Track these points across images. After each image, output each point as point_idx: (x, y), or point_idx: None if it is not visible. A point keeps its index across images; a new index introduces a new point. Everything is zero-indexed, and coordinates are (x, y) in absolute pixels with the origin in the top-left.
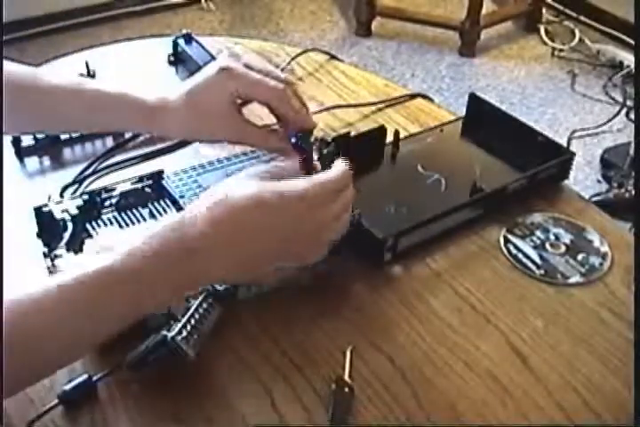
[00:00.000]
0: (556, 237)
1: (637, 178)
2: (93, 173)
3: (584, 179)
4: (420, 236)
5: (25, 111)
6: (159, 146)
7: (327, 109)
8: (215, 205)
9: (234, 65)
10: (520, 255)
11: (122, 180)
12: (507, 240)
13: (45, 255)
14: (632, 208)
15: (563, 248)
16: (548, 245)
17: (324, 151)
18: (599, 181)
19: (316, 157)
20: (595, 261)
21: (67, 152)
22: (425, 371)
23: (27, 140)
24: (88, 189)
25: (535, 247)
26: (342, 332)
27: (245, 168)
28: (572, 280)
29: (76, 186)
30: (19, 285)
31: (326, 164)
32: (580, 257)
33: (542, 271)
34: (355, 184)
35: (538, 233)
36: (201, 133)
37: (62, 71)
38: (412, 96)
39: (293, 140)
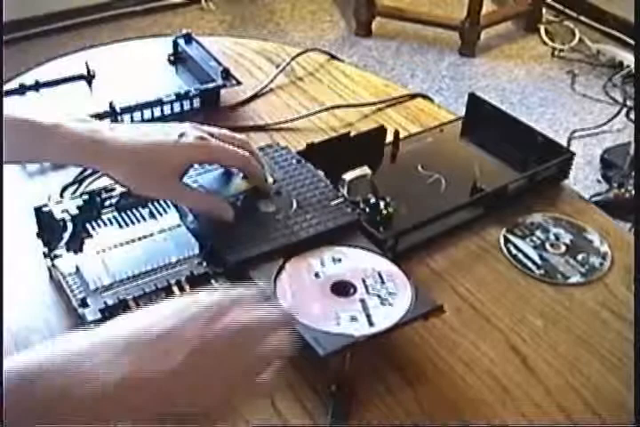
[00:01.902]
0: (556, 237)
1: (637, 178)
2: (93, 172)
3: (584, 179)
4: (419, 236)
5: None
6: None
7: (327, 109)
8: None
9: (197, 134)
10: (520, 255)
11: None
12: (507, 240)
13: (45, 255)
14: (632, 208)
15: (563, 248)
16: (547, 245)
17: None
18: (599, 181)
19: None
20: (595, 261)
21: None
22: (425, 371)
23: None
24: (88, 189)
25: (535, 247)
26: None
27: None
28: (572, 280)
29: (75, 186)
30: (19, 285)
31: None
32: (580, 257)
33: (542, 271)
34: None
35: (538, 233)
36: (138, 187)
37: (62, 71)
38: (412, 96)
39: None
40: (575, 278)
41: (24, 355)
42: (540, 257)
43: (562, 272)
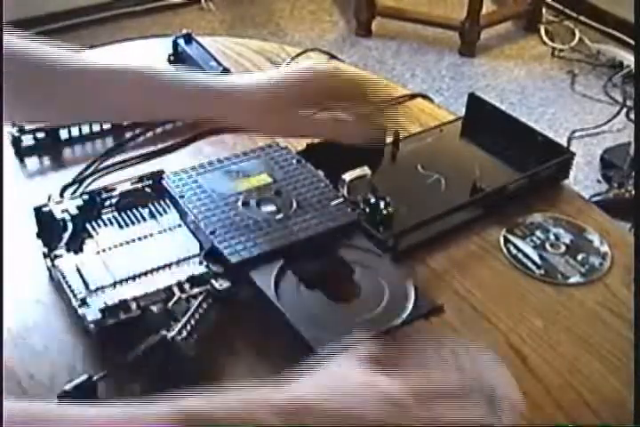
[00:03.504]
0: (556, 237)
1: (637, 178)
2: (93, 173)
3: (584, 179)
4: (419, 236)
5: (64, 97)
6: (159, 146)
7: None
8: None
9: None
10: (520, 255)
11: (122, 180)
12: (506, 240)
13: (45, 255)
14: (632, 208)
15: (563, 248)
16: (547, 245)
17: None
18: (599, 181)
19: None
20: (595, 261)
21: (67, 152)
22: None
23: (27, 140)
24: (88, 189)
25: (535, 247)
26: None
27: (245, 167)
28: (572, 280)
29: (75, 186)
30: (19, 285)
31: None
32: (580, 257)
33: (542, 271)
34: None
35: (538, 233)
36: (273, 127)
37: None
38: (412, 96)
39: None
40: (575, 278)
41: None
42: (540, 257)
43: (562, 272)
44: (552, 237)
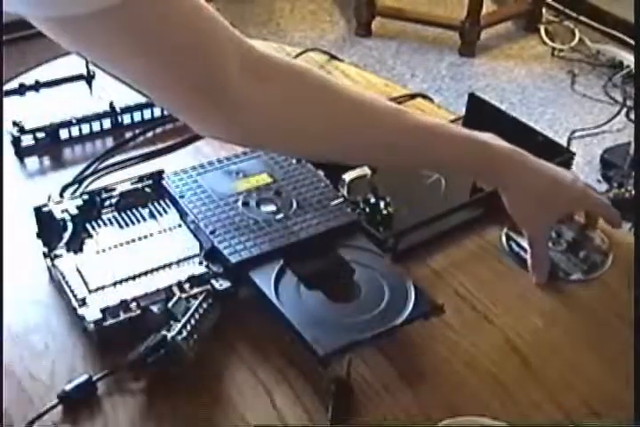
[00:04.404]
0: (558, 235)
1: (637, 178)
2: (93, 173)
3: (584, 179)
4: (419, 236)
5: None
6: (159, 146)
7: None
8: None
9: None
10: (521, 253)
11: (122, 180)
12: (508, 237)
13: (45, 255)
14: (632, 208)
15: (564, 245)
16: (549, 242)
17: None
18: (599, 181)
19: None
20: (596, 258)
21: (67, 152)
22: (425, 371)
23: (27, 140)
24: (88, 189)
25: None
26: None
27: (245, 167)
28: (574, 277)
29: (75, 186)
30: (19, 285)
31: None
32: (581, 254)
33: None
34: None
35: None
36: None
37: (62, 71)
38: (412, 96)
39: None
40: (577, 275)
41: None
42: None
43: (563, 269)
44: (553, 234)
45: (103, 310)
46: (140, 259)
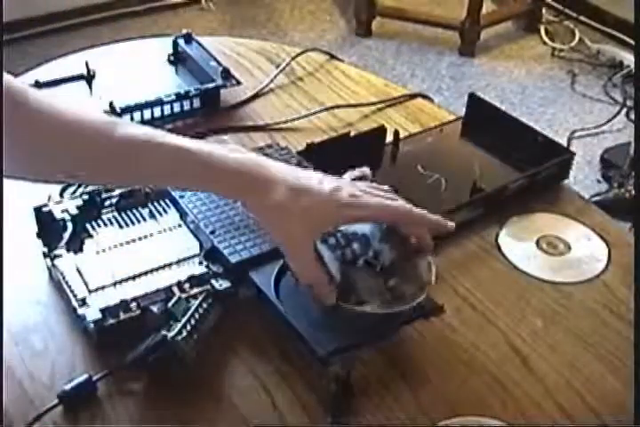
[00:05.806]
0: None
1: (637, 178)
2: None
3: (584, 179)
4: None
5: (100, 162)
6: None
7: (327, 109)
8: None
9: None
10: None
11: None
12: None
13: (45, 255)
14: (632, 208)
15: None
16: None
17: None
18: (599, 181)
19: None
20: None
21: None
22: (425, 371)
23: None
24: (88, 189)
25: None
26: None
27: None
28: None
29: (75, 186)
30: (19, 285)
31: None
32: (391, 282)
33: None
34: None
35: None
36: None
37: (62, 71)
38: (412, 96)
39: None
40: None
41: None
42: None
43: (358, 294)
44: (371, 253)
45: (103, 310)
46: (140, 259)
